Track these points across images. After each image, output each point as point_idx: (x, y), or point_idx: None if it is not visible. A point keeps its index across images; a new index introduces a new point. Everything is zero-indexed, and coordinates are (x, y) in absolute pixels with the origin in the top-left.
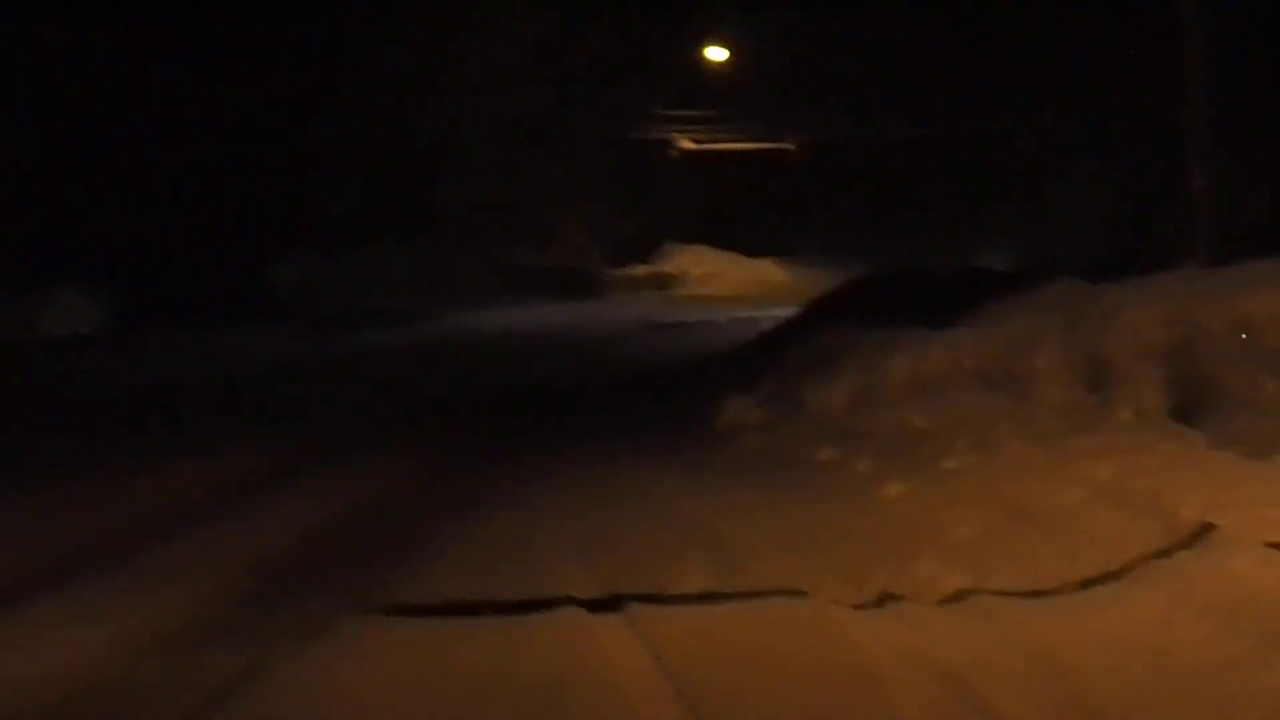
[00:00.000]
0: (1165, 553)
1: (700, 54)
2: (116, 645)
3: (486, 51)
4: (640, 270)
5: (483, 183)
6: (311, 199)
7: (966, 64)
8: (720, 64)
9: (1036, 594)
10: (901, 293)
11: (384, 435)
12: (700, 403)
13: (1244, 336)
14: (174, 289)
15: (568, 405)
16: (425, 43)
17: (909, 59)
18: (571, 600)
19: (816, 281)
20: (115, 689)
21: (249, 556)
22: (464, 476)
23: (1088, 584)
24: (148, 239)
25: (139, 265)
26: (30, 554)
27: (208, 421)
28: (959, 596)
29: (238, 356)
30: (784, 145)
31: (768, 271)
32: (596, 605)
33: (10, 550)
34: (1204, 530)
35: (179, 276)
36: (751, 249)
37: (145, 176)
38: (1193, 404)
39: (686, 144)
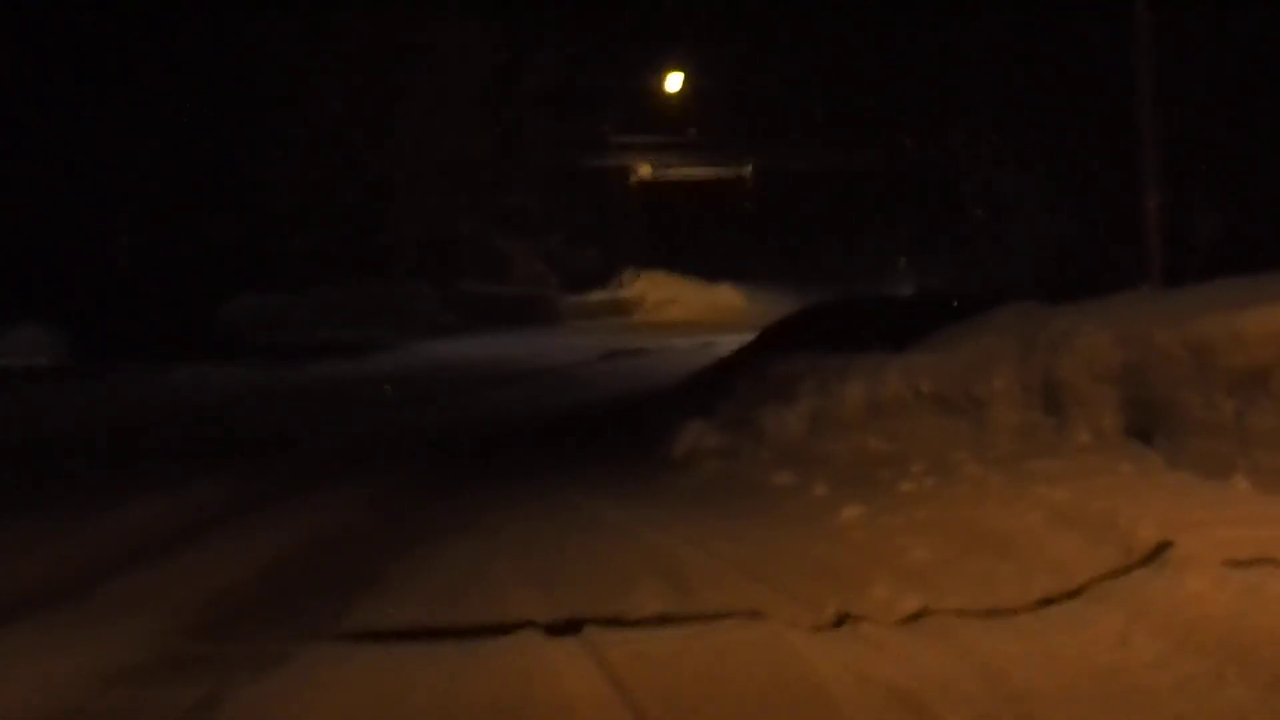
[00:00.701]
0: (1122, 573)
1: (656, 81)
2: (76, 678)
3: (437, 82)
4: (598, 297)
5: (437, 213)
6: (267, 233)
7: (919, 90)
8: (676, 92)
9: (992, 614)
10: (857, 318)
11: (340, 467)
12: (658, 429)
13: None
14: (131, 322)
15: (522, 435)
16: (376, 75)
17: (863, 86)
18: (530, 625)
19: (773, 306)
20: None
21: (207, 589)
22: (419, 507)
23: (1044, 604)
24: (105, 273)
25: (96, 299)
26: None
27: (165, 455)
28: (915, 618)
29: (195, 389)
30: (740, 172)
31: (725, 296)
32: (554, 630)
33: None
34: (1160, 550)
35: (136, 310)
36: (709, 274)
37: (103, 210)
38: (1149, 425)
39: (643, 171)
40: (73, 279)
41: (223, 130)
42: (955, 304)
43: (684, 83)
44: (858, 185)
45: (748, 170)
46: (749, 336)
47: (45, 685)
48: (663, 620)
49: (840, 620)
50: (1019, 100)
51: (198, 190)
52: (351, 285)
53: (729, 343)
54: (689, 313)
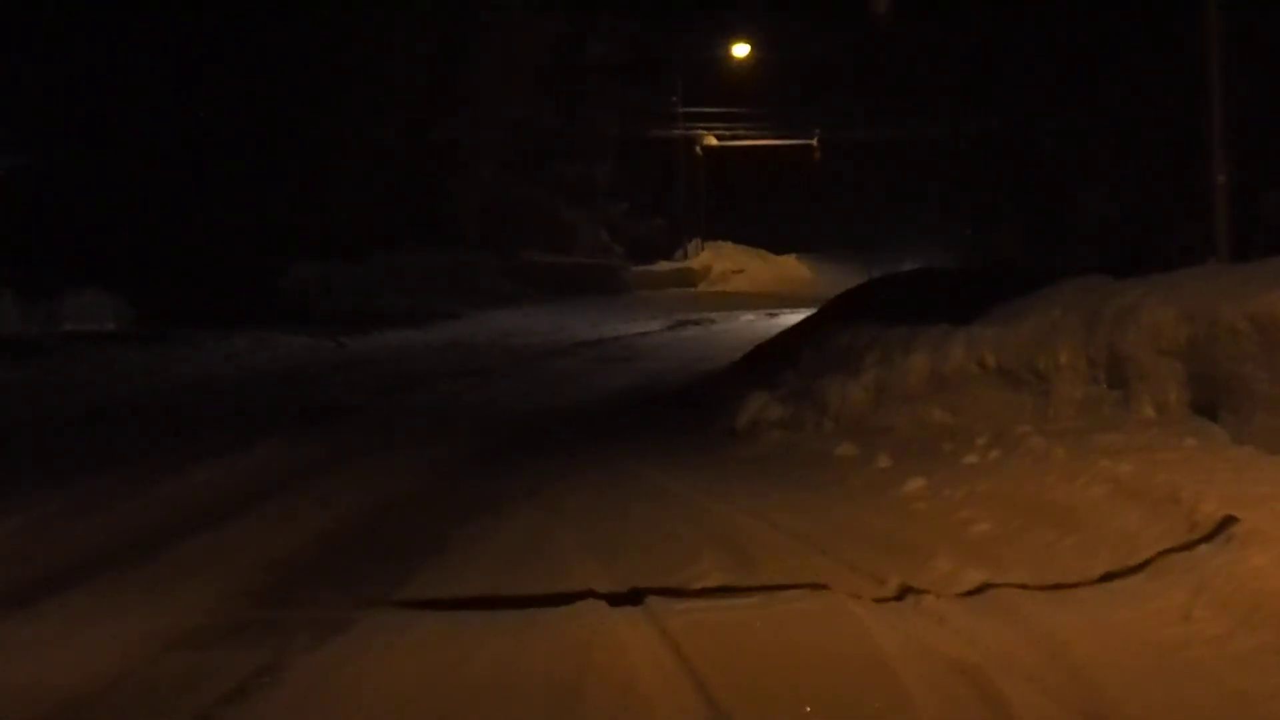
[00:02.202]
0: (1185, 547)
1: (723, 51)
2: (137, 641)
3: (502, 52)
4: (662, 267)
5: (501, 182)
6: (330, 201)
7: (989, 62)
8: (743, 60)
9: (1054, 588)
10: (923, 290)
11: (403, 435)
12: (721, 400)
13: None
14: (195, 289)
15: (585, 405)
16: (441, 44)
17: (932, 57)
18: (592, 594)
19: (839, 278)
20: (138, 685)
21: (268, 553)
22: (481, 476)
23: (1106, 579)
24: (170, 240)
25: (161, 266)
26: (54, 551)
27: (228, 420)
28: (977, 591)
29: (257, 356)
30: (808, 142)
31: (791, 268)
32: (617, 599)
33: (35, 547)
34: (1224, 525)
35: (200, 277)
36: (774, 245)
37: (171, 180)
38: (1214, 400)
39: (709, 141)
40: (138, 246)
41: (288, 99)
42: (1020, 277)
43: (750, 53)
44: (923, 157)
45: (814, 140)
46: (814, 308)
47: (106, 648)
48: (725, 591)
49: (902, 593)
50: (1086, 74)
51: (262, 158)
52: (414, 253)
53: (794, 314)
54: (754, 284)
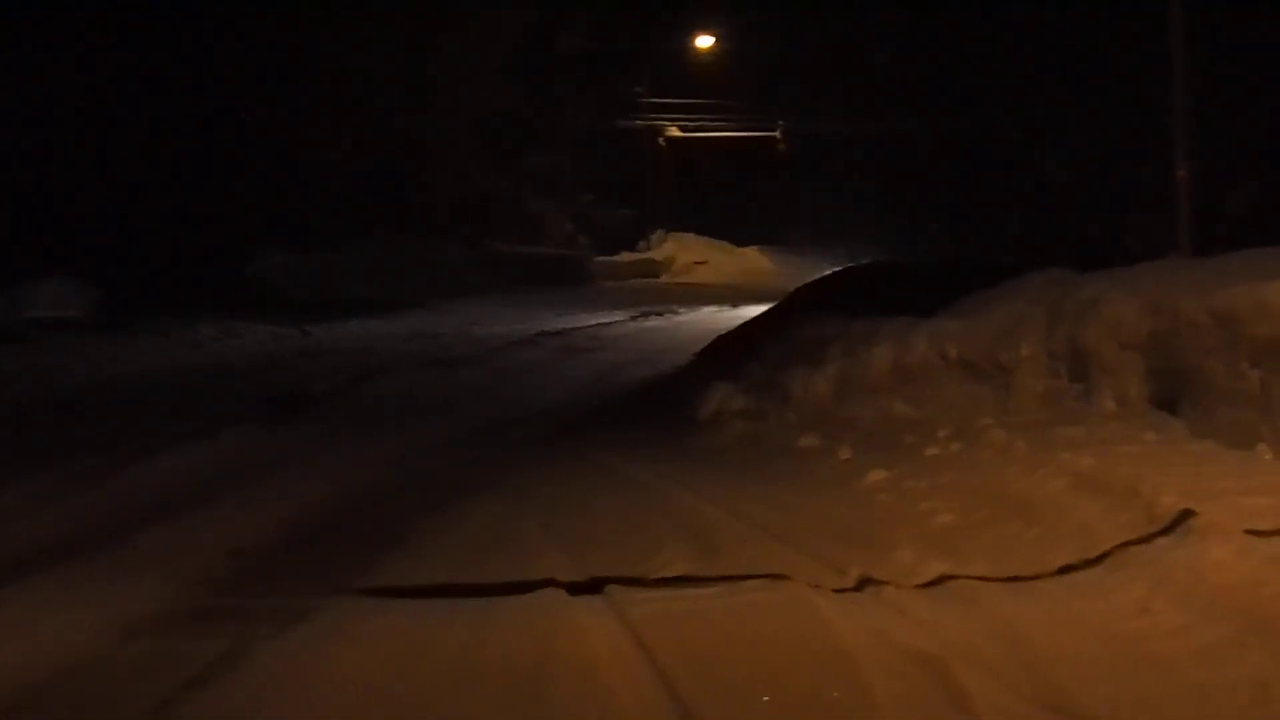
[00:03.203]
0: (1144, 540)
1: (688, 43)
2: (100, 629)
3: (470, 43)
4: (627, 258)
5: (468, 172)
6: (298, 190)
7: (952, 57)
8: (708, 52)
9: (1015, 580)
10: (886, 283)
11: (369, 424)
12: (685, 391)
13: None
14: (161, 278)
15: (550, 395)
16: (409, 35)
17: (896, 51)
18: (553, 583)
19: (802, 270)
20: (99, 671)
21: (232, 542)
22: (445, 466)
23: (1066, 571)
24: (136, 228)
25: (127, 254)
26: (17, 538)
27: (192, 410)
28: (938, 582)
29: (224, 345)
30: (771, 134)
31: (754, 260)
32: (578, 589)
33: None
34: (1183, 518)
35: (166, 265)
36: (738, 237)
37: (134, 167)
38: (1175, 394)
39: (674, 132)
40: (104, 234)
41: (255, 87)
42: (984, 271)
43: (715, 44)
44: (887, 150)
45: (778, 133)
46: (777, 300)
47: (68, 635)
48: (686, 580)
49: (863, 584)
50: (1053, 70)
51: (229, 147)
52: (382, 243)
53: (756, 305)
54: (718, 275)
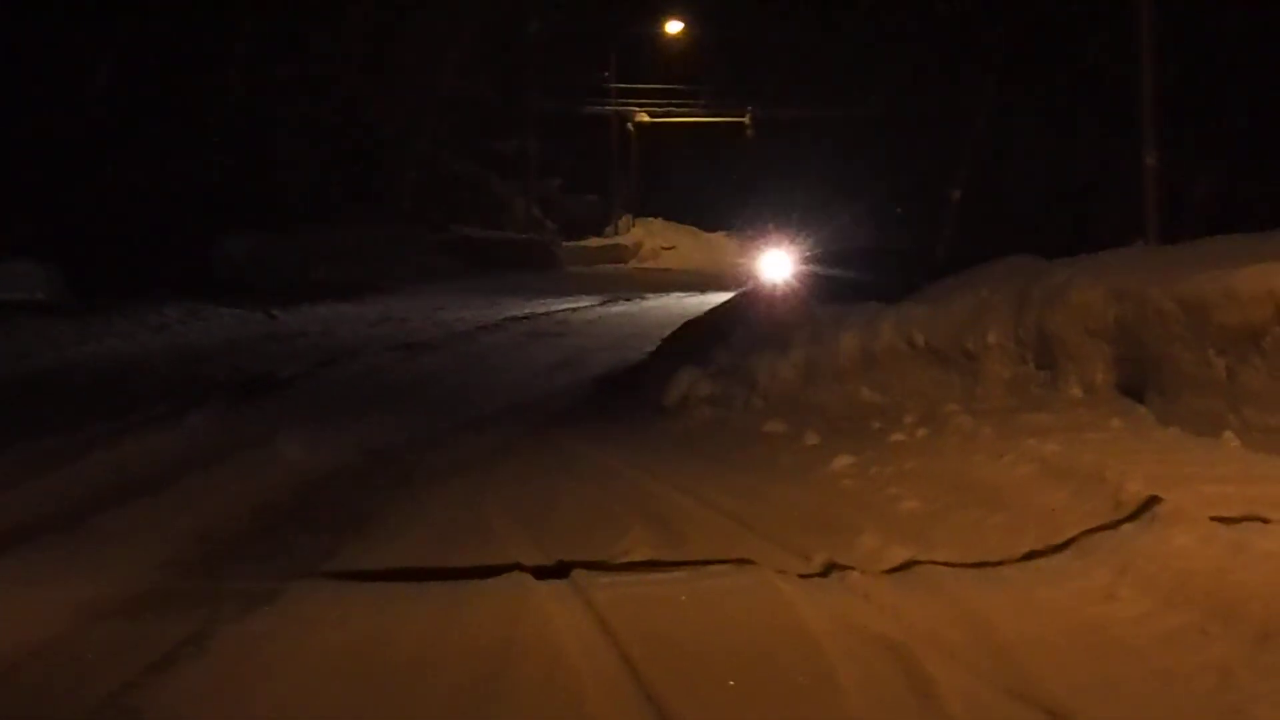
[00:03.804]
0: (1110, 527)
1: (657, 28)
2: (65, 610)
3: (437, 26)
4: (594, 243)
5: (434, 157)
6: (263, 173)
7: (921, 42)
8: (677, 37)
9: (980, 566)
10: (852, 269)
11: (335, 408)
12: (650, 376)
13: None
14: (125, 260)
15: (516, 379)
16: (376, 18)
17: (865, 35)
18: (519, 568)
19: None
20: (64, 653)
21: (198, 525)
22: (411, 449)
23: (1031, 557)
24: (104, 211)
25: (91, 236)
26: None
27: (158, 392)
28: (903, 568)
29: (189, 328)
30: (740, 120)
31: (721, 245)
32: (544, 572)
33: None
34: (1148, 505)
35: (131, 248)
36: (706, 223)
37: (103, 150)
38: (1141, 381)
39: (642, 118)
40: (69, 216)
41: (222, 71)
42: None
43: (684, 30)
44: (856, 135)
45: (746, 118)
46: (744, 285)
47: (33, 617)
48: (651, 565)
49: (828, 569)
50: (1018, 54)
51: (196, 130)
52: (348, 227)
53: (724, 292)
54: (685, 260)
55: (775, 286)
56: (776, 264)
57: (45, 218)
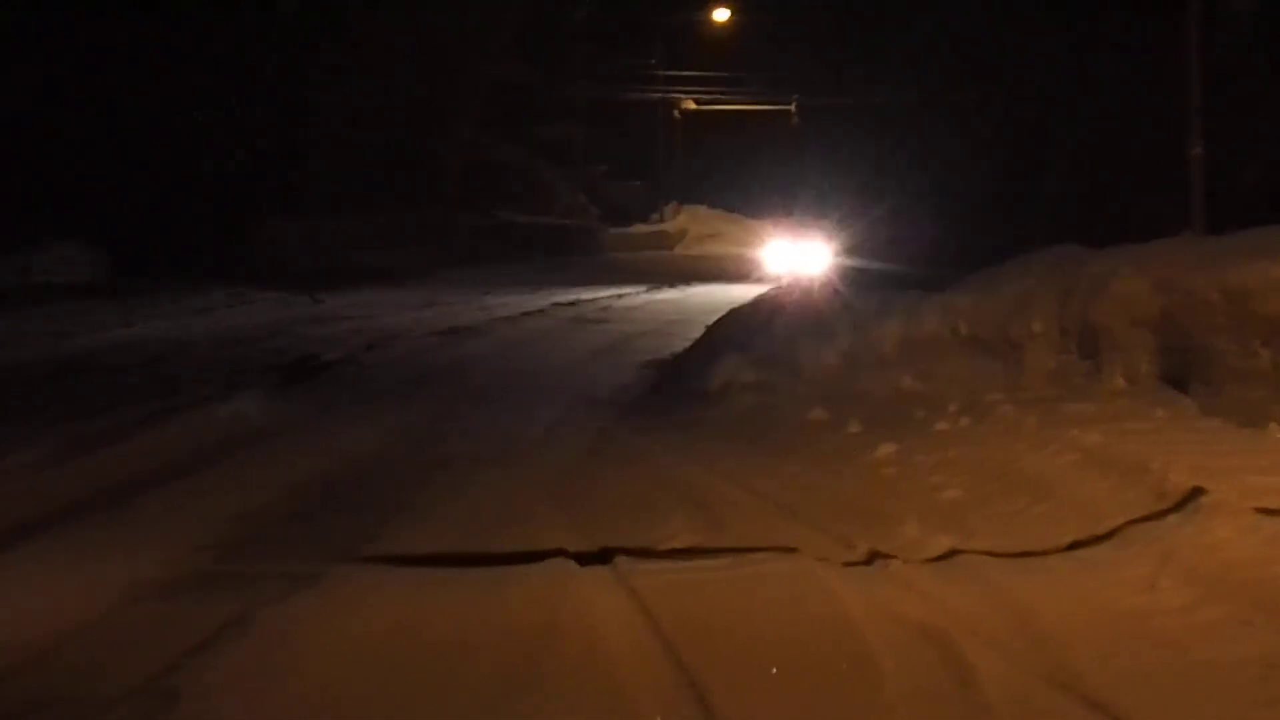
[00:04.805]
0: (1152, 517)
1: (704, 14)
2: (109, 591)
3: (483, 11)
4: (639, 229)
5: (479, 142)
6: (309, 158)
7: (969, 30)
8: (724, 25)
9: (1022, 556)
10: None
11: (376, 392)
12: (694, 362)
13: None
14: (170, 242)
15: (558, 365)
16: (422, 2)
17: (912, 23)
18: (561, 554)
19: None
20: (105, 634)
21: (239, 507)
22: (453, 435)
23: (1073, 547)
24: (149, 195)
25: (140, 220)
26: (25, 500)
27: (201, 374)
28: (945, 557)
29: (233, 310)
30: (785, 107)
31: (765, 234)
32: (585, 559)
33: (6, 496)
34: (1191, 496)
35: (179, 232)
36: (751, 210)
37: (149, 134)
38: (1185, 372)
39: (688, 105)
40: (115, 200)
41: (268, 54)
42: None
43: (730, 17)
44: (905, 124)
45: (791, 106)
46: (781, 275)
47: (75, 598)
48: (693, 552)
49: (870, 557)
50: (1063, 43)
51: (236, 114)
52: (392, 211)
53: (765, 280)
54: (728, 248)
55: (815, 277)
56: (816, 255)
57: (89, 200)
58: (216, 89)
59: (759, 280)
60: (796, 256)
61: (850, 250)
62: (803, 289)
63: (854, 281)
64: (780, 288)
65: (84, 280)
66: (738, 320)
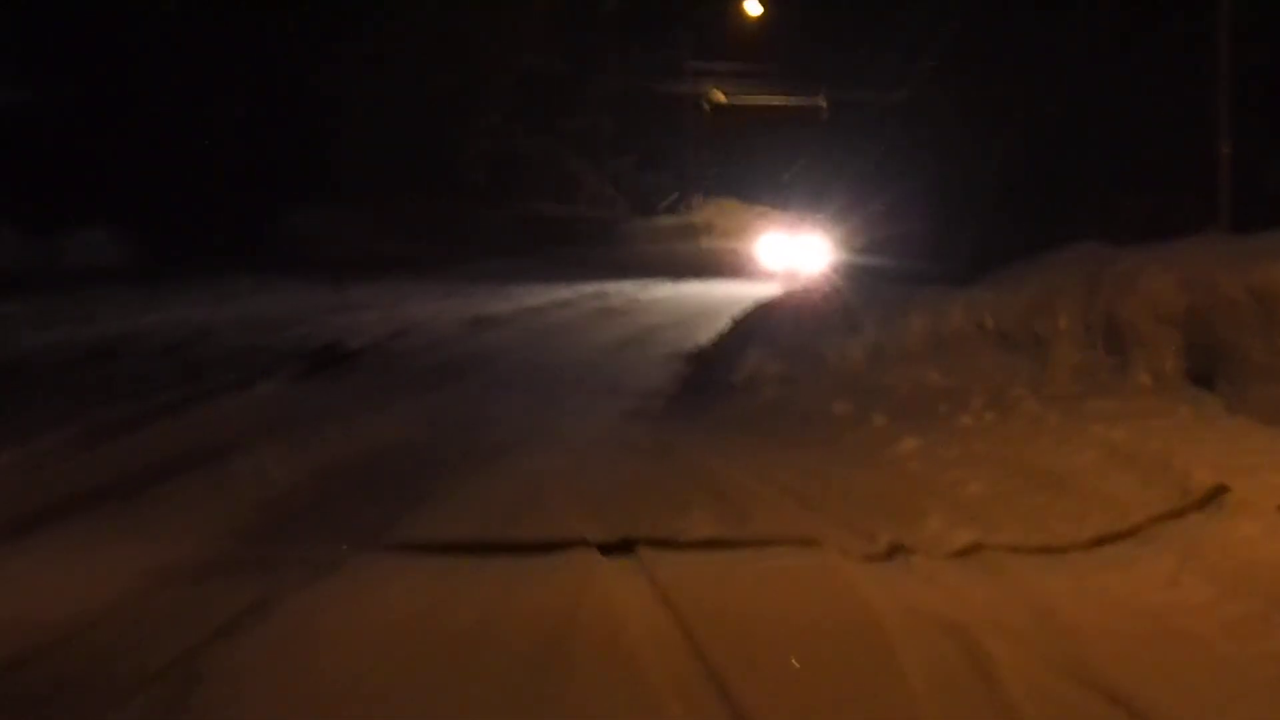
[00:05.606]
0: (1175, 515)
1: (733, 8)
2: (132, 576)
3: (511, 2)
4: (666, 222)
5: (506, 132)
6: (335, 147)
7: (999, 27)
8: (755, 18)
9: (1044, 551)
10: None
11: (401, 381)
12: (720, 354)
13: None
14: (200, 230)
15: (582, 356)
16: None
17: (944, 19)
18: (583, 543)
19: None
20: (128, 618)
21: (263, 494)
22: (475, 423)
23: (1096, 543)
24: (176, 181)
25: (167, 206)
26: (50, 484)
27: (227, 360)
28: (967, 551)
29: (259, 298)
30: (816, 102)
31: (793, 228)
32: (608, 549)
33: (32, 480)
34: (1215, 494)
35: (205, 218)
36: (779, 205)
37: (176, 121)
38: (1210, 369)
39: (717, 97)
40: (142, 185)
41: (294, 43)
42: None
43: (762, 10)
44: (932, 120)
45: (822, 100)
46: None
47: (98, 582)
48: (716, 544)
49: (892, 551)
50: (1092, 43)
51: (266, 102)
52: (417, 201)
53: (788, 274)
54: (755, 241)
55: (836, 275)
56: (841, 250)
57: (119, 186)
58: (246, 77)
59: (783, 276)
60: (822, 252)
61: (878, 246)
62: (828, 285)
63: (881, 277)
64: (805, 283)
65: (112, 265)
66: (764, 313)
